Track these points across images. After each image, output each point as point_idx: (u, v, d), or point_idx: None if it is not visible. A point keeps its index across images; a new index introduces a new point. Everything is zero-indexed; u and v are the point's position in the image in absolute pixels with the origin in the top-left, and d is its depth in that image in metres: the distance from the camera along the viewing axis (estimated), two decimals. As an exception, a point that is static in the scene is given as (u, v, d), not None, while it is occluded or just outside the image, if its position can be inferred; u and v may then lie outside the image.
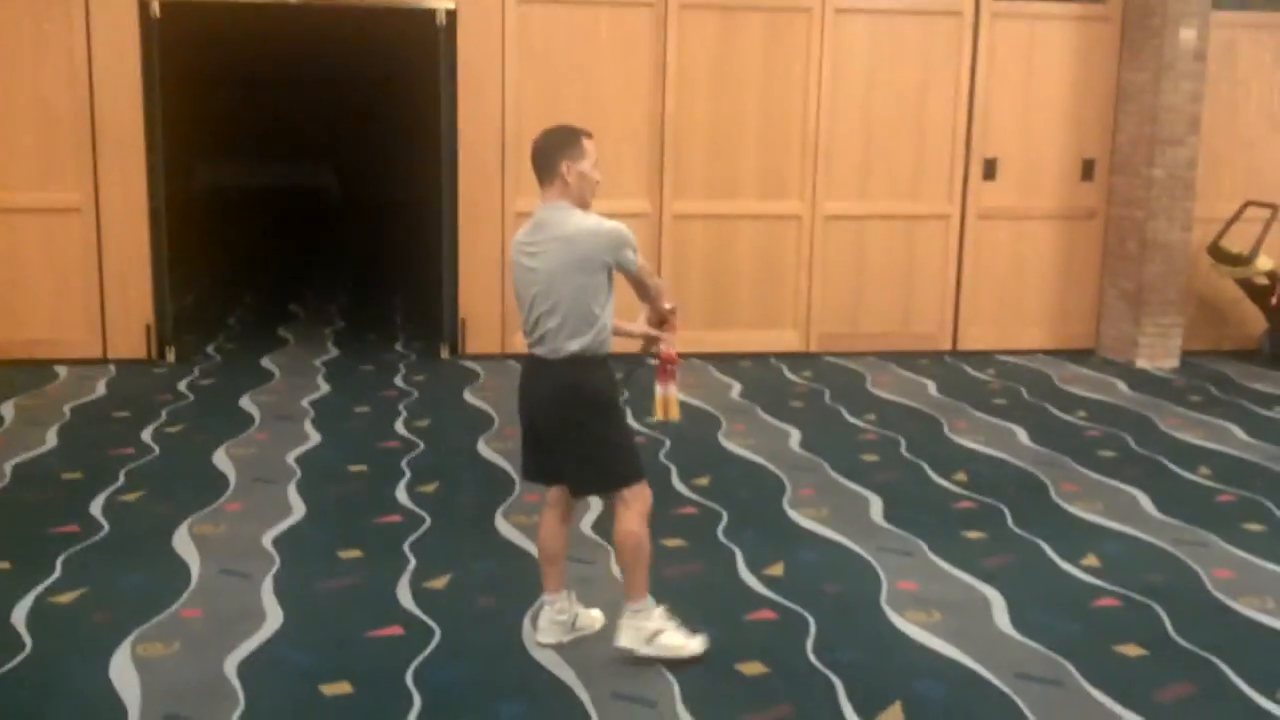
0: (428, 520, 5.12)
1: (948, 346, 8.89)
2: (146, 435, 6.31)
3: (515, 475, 5.78)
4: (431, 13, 7.93)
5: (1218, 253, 8.64)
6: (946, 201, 8.69)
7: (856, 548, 4.96)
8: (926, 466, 6.11)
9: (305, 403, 7.06)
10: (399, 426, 6.59)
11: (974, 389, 7.85)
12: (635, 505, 3.80)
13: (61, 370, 7.67)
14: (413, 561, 4.65)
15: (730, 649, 3.96)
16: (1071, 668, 3.89)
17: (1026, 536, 5.13)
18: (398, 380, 7.69)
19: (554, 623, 3.97)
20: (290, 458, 5.97)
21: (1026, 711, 3.61)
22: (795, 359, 8.57)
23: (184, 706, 3.52)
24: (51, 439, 6.22)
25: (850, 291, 8.70)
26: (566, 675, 3.76)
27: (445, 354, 8.33)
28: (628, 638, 3.84)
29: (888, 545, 4.99)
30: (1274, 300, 8.55)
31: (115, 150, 7.72)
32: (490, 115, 8.07)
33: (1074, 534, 5.16)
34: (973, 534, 5.15)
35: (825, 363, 8.52)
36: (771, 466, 6.06)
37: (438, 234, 8.37)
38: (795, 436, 6.63)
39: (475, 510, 5.27)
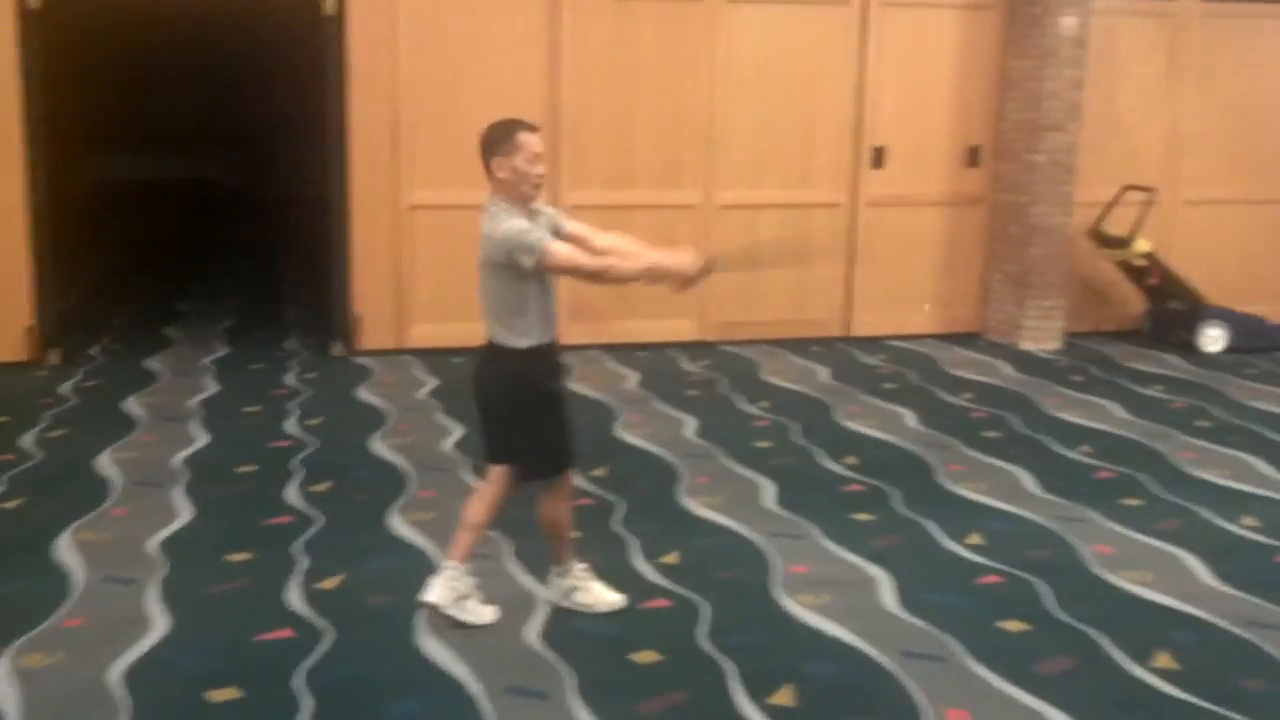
0: (320, 520, 5.07)
1: (841, 333, 9.01)
2: (27, 441, 6.14)
3: (410, 471, 5.75)
4: (318, 1, 7.81)
5: (1098, 236, 8.87)
6: (837, 190, 8.80)
7: (750, 533, 5.02)
8: (818, 451, 6.20)
9: (193, 403, 6.93)
10: (290, 425, 6.50)
11: (864, 374, 7.97)
12: (557, 490, 4.12)
13: (-62, 375, 7.44)
14: (304, 562, 4.60)
15: (624, 638, 3.99)
16: (955, 644, 3.99)
17: (913, 517, 5.23)
18: (288, 378, 7.59)
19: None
20: (177, 460, 5.86)
21: (912, 688, 3.69)
22: (692, 348, 8.62)
23: (67, 718, 3.44)
24: (-73, 446, 6.03)
25: (745, 280, 8.73)
26: (459, 671, 3.75)
27: (338, 351, 8.22)
28: (551, 593, 4.26)
29: (780, 530, 5.06)
30: (1152, 281, 8.81)
31: (-10, 146, 7.49)
32: (382, 106, 7.97)
33: (959, 514, 5.28)
34: (862, 516, 5.24)
35: (721, 351, 8.58)
36: (667, 456, 6.10)
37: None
38: (691, 425, 6.68)
39: (369, 508, 5.22)
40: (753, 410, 7.02)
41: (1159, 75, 9.09)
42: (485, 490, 4.10)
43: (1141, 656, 3.92)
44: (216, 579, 4.44)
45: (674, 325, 8.70)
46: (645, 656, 3.87)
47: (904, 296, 9.09)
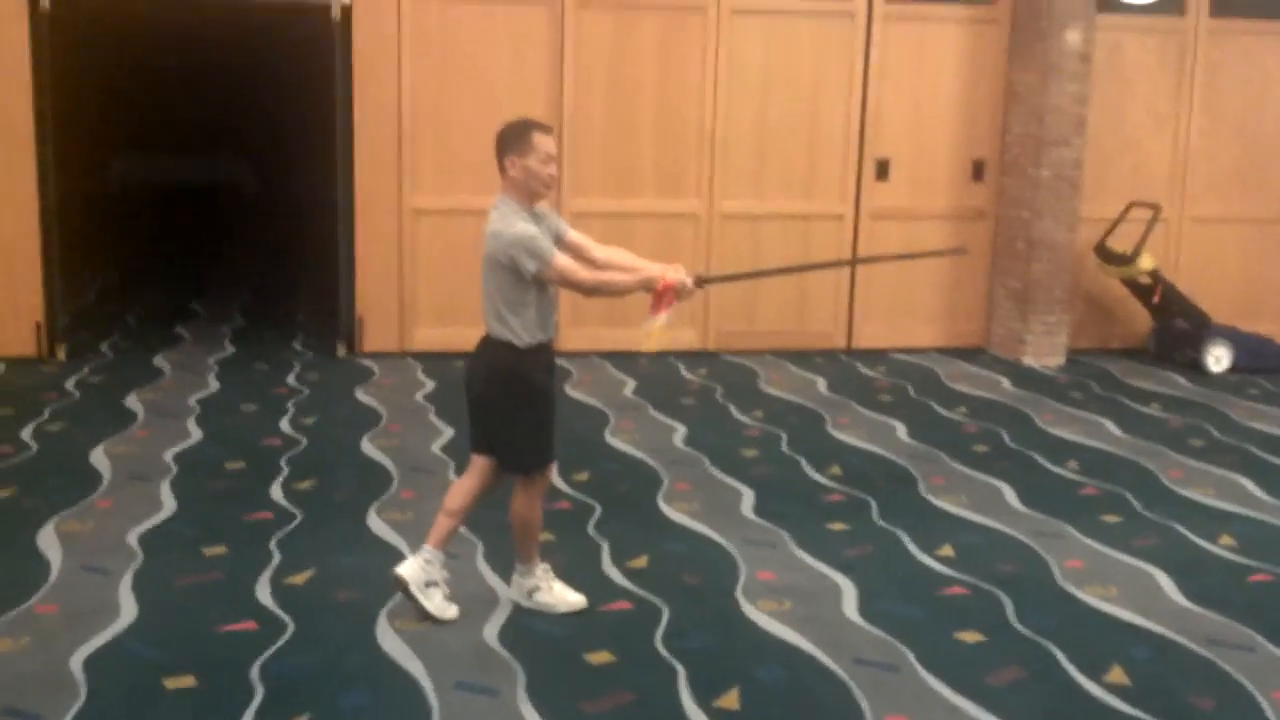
0: (299, 516, 5.15)
1: (843, 345, 9.03)
2: (26, 433, 6.26)
3: (394, 471, 5.82)
4: (326, 8, 7.92)
5: (1103, 252, 8.85)
6: (840, 201, 8.83)
7: (722, 540, 5.06)
8: (803, 461, 6.23)
9: (192, 400, 7.03)
10: (284, 424, 6.59)
11: (862, 386, 7.99)
12: (533, 489, 4.15)
13: (-53, 368, 7.59)
14: (277, 557, 4.68)
15: (580, 639, 4.04)
16: (909, 653, 4.01)
17: (888, 528, 5.25)
18: (290, 378, 7.69)
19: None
20: (169, 455, 5.96)
21: (859, 695, 3.72)
22: (693, 357, 8.66)
23: (24, 700, 3.53)
24: (-73, 437, 6.16)
25: (747, 290, 8.80)
26: (414, 666, 3.81)
27: (342, 352, 8.33)
28: (513, 592, 4.32)
29: (753, 537, 5.10)
30: (1156, 299, 8.77)
31: (3, 146, 7.63)
32: (387, 111, 8.08)
33: (935, 525, 5.30)
34: (837, 525, 5.27)
35: (722, 361, 8.62)
36: (652, 462, 6.15)
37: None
38: (680, 432, 6.72)
39: (349, 506, 5.30)
40: (745, 420, 7.05)
41: (1166, 91, 9.06)
42: (466, 479, 4.21)
43: (1094, 671, 3.93)
44: (190, 571, 4.53)
45: (677, 334, 8.73)
46: (599, 657, 3.92)
47: (907, 310, 9.09)
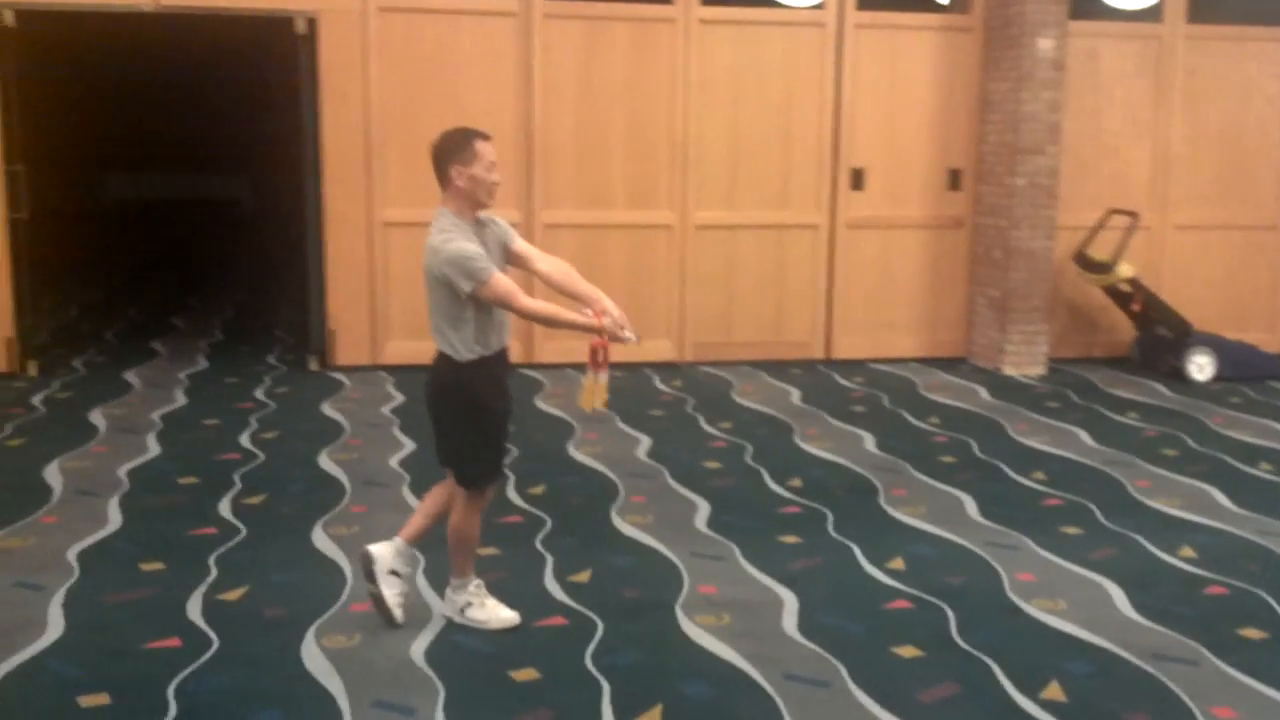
0: (243, 532, 5.09)
1: (821, 355, 8.97)
2: (-17, 449, 6.24)
3: (348, 485, 5.77)
4: (290, 20, 7.90)
5: (1083, 261, 8.77)
6: (815, 211, 8.77)
7: (670, 553, 4.99)
8: (765, 473, 6.16)
9: (156, 416, 7.00)
10: (244, 439, 6.55)
11: (836, 397, 7.92)
12: (472, 504, 4.11)
13: (-85, 385, 7.57)
14: (214, 574, 4.63)
15: (508, 656, 3.98)
16: (842, 669, 3.93)
17: (841, 540, 5.18)
18: (258, 392, 7.65)
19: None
20: (123, 470, 5.92)
21: (785, 711, 3.64)
22: (668, 369, 8.61)
23: (-68, 721, 3.48)
24: (-117, 454, 6.13)
25: (723, 301, 8.76)
26: (334, 684, 3.75)
27: (314, 366, 8.29)
28: (446, 608, 4.25)
29: (701, 550, 5.03)
30: (1136, 307, 8.68)
31: (-31, 163, 7.63)
32: (354, 124, 8.06)
33: (889, 537, 5.22)
34: (789, 538, 5.19)
35: (698, 372, 8.56)
36: (611, 474, 6.08)
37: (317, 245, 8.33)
38: (645, 445, 6.66)
39: (295, 521, 5.24)
40: (712, 431, 6.99)
41: (1145, 98, 8.99)
42: (442, 485, 4.24)
43: (1030, 687, 3.84)
44: (123, 588, 4.48)
45: (652, 345, 8.68)
46: (524, 674, 3.85)
47: (886, 319, 9.02)
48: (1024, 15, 8.27)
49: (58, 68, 11.81)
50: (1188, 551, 5.13)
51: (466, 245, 3.85)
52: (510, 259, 4.10)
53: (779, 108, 8.60)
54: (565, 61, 8.25)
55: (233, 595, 4.43)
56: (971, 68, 8.79)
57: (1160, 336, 8.80)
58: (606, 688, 3.77)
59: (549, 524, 5.30)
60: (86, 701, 3.60)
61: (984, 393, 8.14)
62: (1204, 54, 9.01)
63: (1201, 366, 8.59)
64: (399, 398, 7.57)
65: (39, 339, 8.98)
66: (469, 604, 4.21)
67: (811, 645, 4.12)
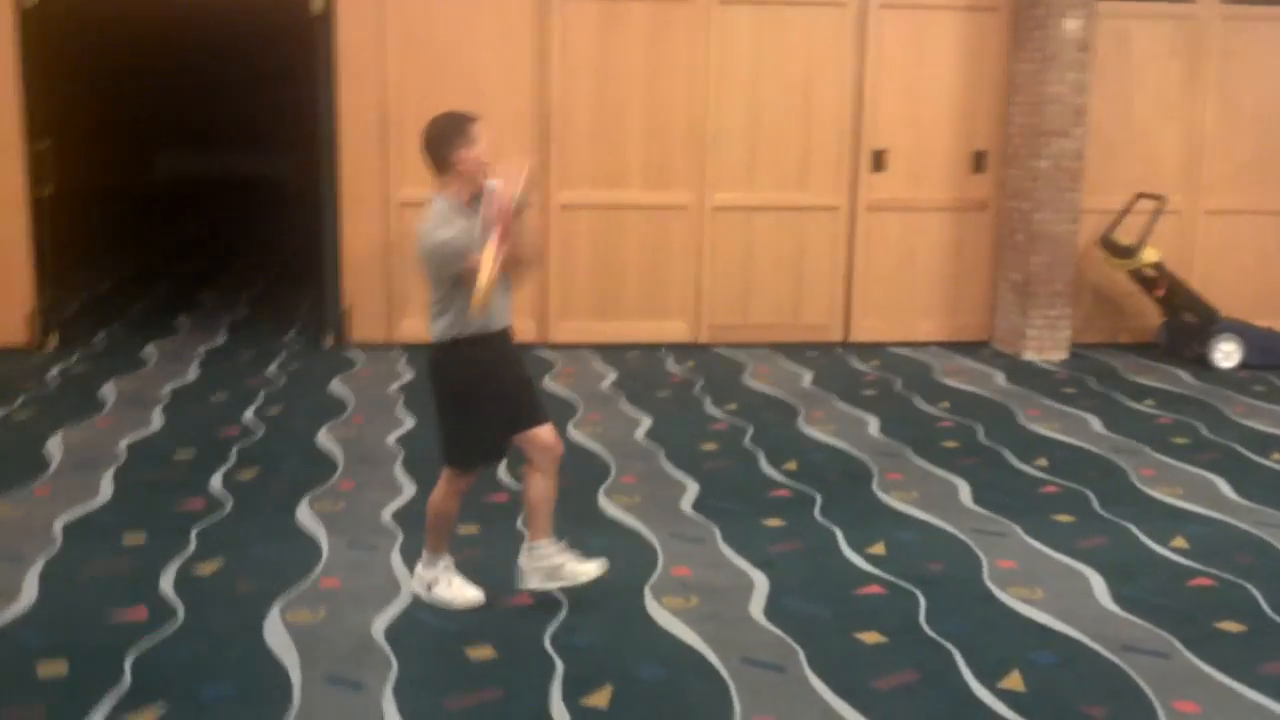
0: (228, 506, 5.14)
1: (840, 338, 8.88)
2: (-8, 421, 6.35)
3: (341, 462, 5.81)
4: (306, 1, 7.93)
5: (1108, 245, 8.60)
6: (835, 193, 8.67)
7: (650, 534, 4.97)
8: (762, 456, 6.12)
9: (166, 390, 7.09)
10: (248, 414, 6.61)
11: (849, 380, 7.84)
12: (452, 484, 4.13)
13: (-61, 357, 7.73)
14: (193, 547, 4.68)
15: (468, 634, 3.99)
16: (801, 654, 3.90)
17: (824, 524, 5.13)
18: (271, 368, 7.72)
19: (534, 568, 4.17)
20: (122, 444, 6.00)
21: (736, 695, 3.62)
22: (683, 350, 8.57)
23: (-107, 686, 3.55)
24: (-105, 424, 6.27)
25: (740, 282, 8.70)
26: (289, 659, 3.78)
27: (329, 342, 8.35)
28: (414, 583, 4.27)
29: (682, 532, 5.01)
30: (1160, 292, 8.51)
31: (-7, 141, 7.76)
32: (371, 103, 8.08)
33: (874, 522, 5.17)
34: (772, 521, 5.16)
35: (712, 354, 8.51)
36: (606, 455, 6.07)
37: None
38: (645, 425, 6.64)
39: (282, 497, 5.28)
40: (716, 413, 6.95)
41: (1177, 80, 8.78)
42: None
43: (990, 676, 3.79)
44: (102, 558, 4.54)
45: (667, 326, 8.65)
46: (480, 652, 3.86)
47: (907, 303, 8.91)
48: (1050, -5, 8.12)
49: (93, 47, 11.97)
50: (1180, 542, 5.03)
51: (443, 232, 3.85)
52: None
53: (799, 88, 8.50)
54: (583, 42, 8.22)
55: (207, 569, 4.48)
56: (997, 49, 8.63)
57: (1186, 323, 8.62)
58: (560, 667, 3.77)
59: (533, 503, 5.28)
60: (44, 670, 3.66)
61: (1001, 378, 8.02)
62: (1240, 35, 8.78)
63: (1227, 353, 8.40)
64: (408, 375, 7.60)
65: (68, 312, 9.15)
66: (436, 580, 4.23)
67: (775, 629, 4.09)
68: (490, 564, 4.53)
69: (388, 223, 8.23)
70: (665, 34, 8.29)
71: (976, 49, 8.62)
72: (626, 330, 8.61)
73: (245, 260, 12.91)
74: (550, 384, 7.50)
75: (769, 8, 8.37)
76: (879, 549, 4.86)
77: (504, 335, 4.10)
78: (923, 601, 4.35)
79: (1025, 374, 8.15)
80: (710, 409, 7.03)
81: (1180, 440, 6.60)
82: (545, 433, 4.16)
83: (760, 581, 4.50)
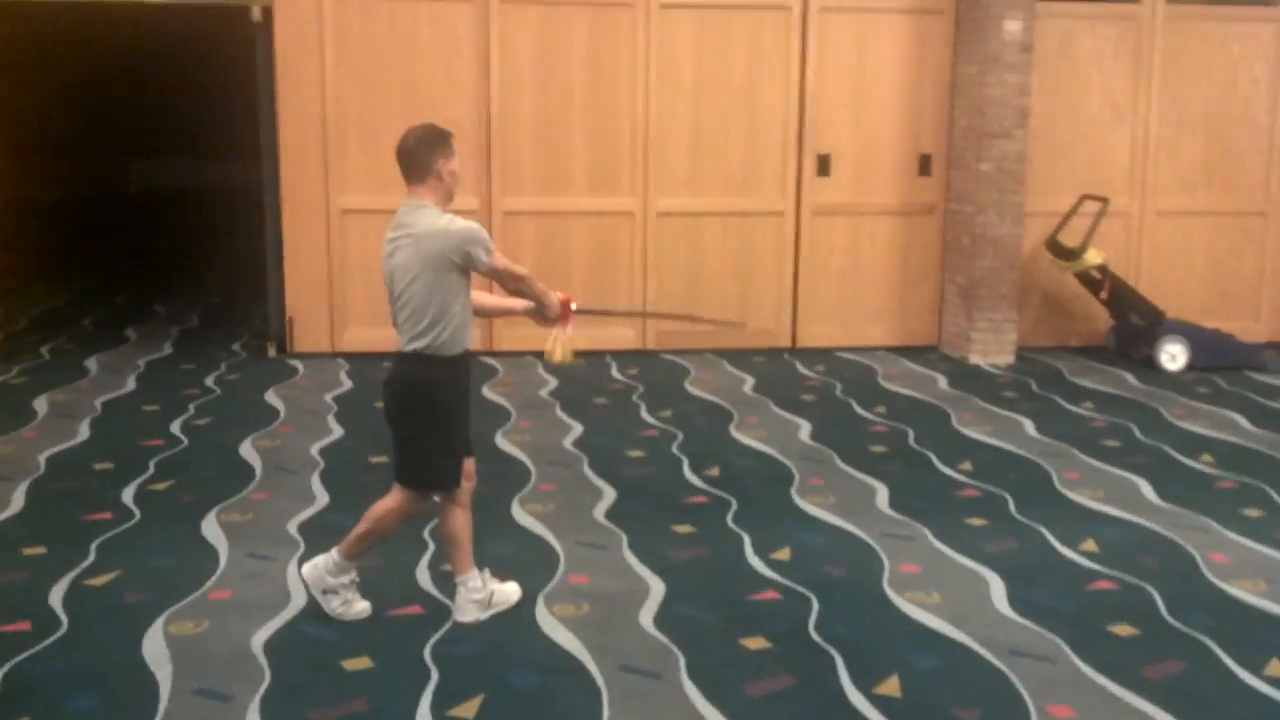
0: (136, 518, 5.13)
1: (788, 343, 8.86)
2: (-83, 434, 6.34)
3: (259, 473, 5.79)
4: (246, 9, 7.93)
5: (1053, 247, 8.59)
6: (780, 198, 8.66)
7: (555, 542, 4.95)
8: (686, 462, 6.10)
9: (98, 402, 7.07)
10: (175, 426, 6.60)
11: (790, 385, 7.82)
12: (409, 506, 4.06)
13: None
14: (91, 559, 4.66)
15: (347, 644, 3.96)
16: (683, 660, 3.88)
17: (734, 530, 5.11)
18: (209, 379, 7.71)
19: (470, 601, 4.11)
20: (42, 455, 5.98)
21: (606, 703, 3.60)
22: (629, 356, 8.55)
23: None
24: None
25: (686, 288, 8.68)
26: (162, 671, 3.76)
27: (273, 353, 8.34)
28: (309, 576, 4.12)
29: (588, 539, 4.99)
30: (1104, 294, 8.50)
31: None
32: (311, 112, 8.08)
33: (783, 527, 5.14)
34: (682, 528, 5.14)
35: (658, 360, 8.50)
36: (528, 462, 6.05)
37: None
38: (575, 433, 6.62)
39: (192, 508, 5.26)
40: (649, 420, 6.93)
41: (1122, 81, 8.77)
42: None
43: (868, 681, 3.77)
44: (-2, 572, 4.52)
45: (614, 333, 8.63)
46: (356, 663, 3.84)
47: (855, 308, 8.89)
48: (989, -3, 8.11)
49: (46, 59, 11.97)
50: (1089, 545, 5.01)
51: (466, 221, 3.90)
52: None
53: (742, 93, 8.50)
54: (523, 48, 8.21)
55: (100, 580, 4.46)
56: (941, 51, 8.62)
57: (1134, 325, 8.60)
58: (435, 678, 3.74)
59: (444, 512, 5.27)
60: (-86, 684, 3.64)
61: (943, 382, 8.01)
62: (1185, 35, 8.78)
63: (1174, 355, 8.39)
64: (346, 385, 7.59)
65: (17, 326, 9.15)
66: (335, 593, 4.10)
67: (660, 636, 4.06)
68: (387, 574, 4.51)
69: (329, 231, 8.21)
70: (606, 39, 8.29)
71: (920, 52, 8.62)
72: (575, 337, 8.54)
73: (205, 270, 12.90)
74: (489, 392, 7.49)
75: (711, 11, 8.37)
76: (783, 554, 4.84)
77: (470, 357, 4.10)
78: (816, 606, 4.32)
79: (968, 378, 8.13)
80: (645, 416, 7.02)
81: (1111, 443, 6.58)
82: (471, 464, 4.19)
83: (657, 588, 4.48)
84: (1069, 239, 8.53)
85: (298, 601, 4.28)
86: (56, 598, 4.30)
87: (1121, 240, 8.86)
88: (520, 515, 5.28)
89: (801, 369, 8.32)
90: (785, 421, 6.92)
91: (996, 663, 3.92)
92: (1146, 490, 5.77)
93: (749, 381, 7.92)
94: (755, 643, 4.03)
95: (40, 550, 4.75)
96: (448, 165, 3.91)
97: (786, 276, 8.77)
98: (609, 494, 5.58)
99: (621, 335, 8.64)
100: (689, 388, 7.73)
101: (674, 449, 6.34)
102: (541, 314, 4.29)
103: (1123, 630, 4.18)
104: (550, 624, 4.16)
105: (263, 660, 3.84)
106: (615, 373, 8.10)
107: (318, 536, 4.85)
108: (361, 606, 4.17)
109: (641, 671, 3.81)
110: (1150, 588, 4.56)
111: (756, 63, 8.47)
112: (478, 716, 3.53)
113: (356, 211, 8.18)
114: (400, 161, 3.94)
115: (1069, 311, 9.05)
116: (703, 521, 5.23)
